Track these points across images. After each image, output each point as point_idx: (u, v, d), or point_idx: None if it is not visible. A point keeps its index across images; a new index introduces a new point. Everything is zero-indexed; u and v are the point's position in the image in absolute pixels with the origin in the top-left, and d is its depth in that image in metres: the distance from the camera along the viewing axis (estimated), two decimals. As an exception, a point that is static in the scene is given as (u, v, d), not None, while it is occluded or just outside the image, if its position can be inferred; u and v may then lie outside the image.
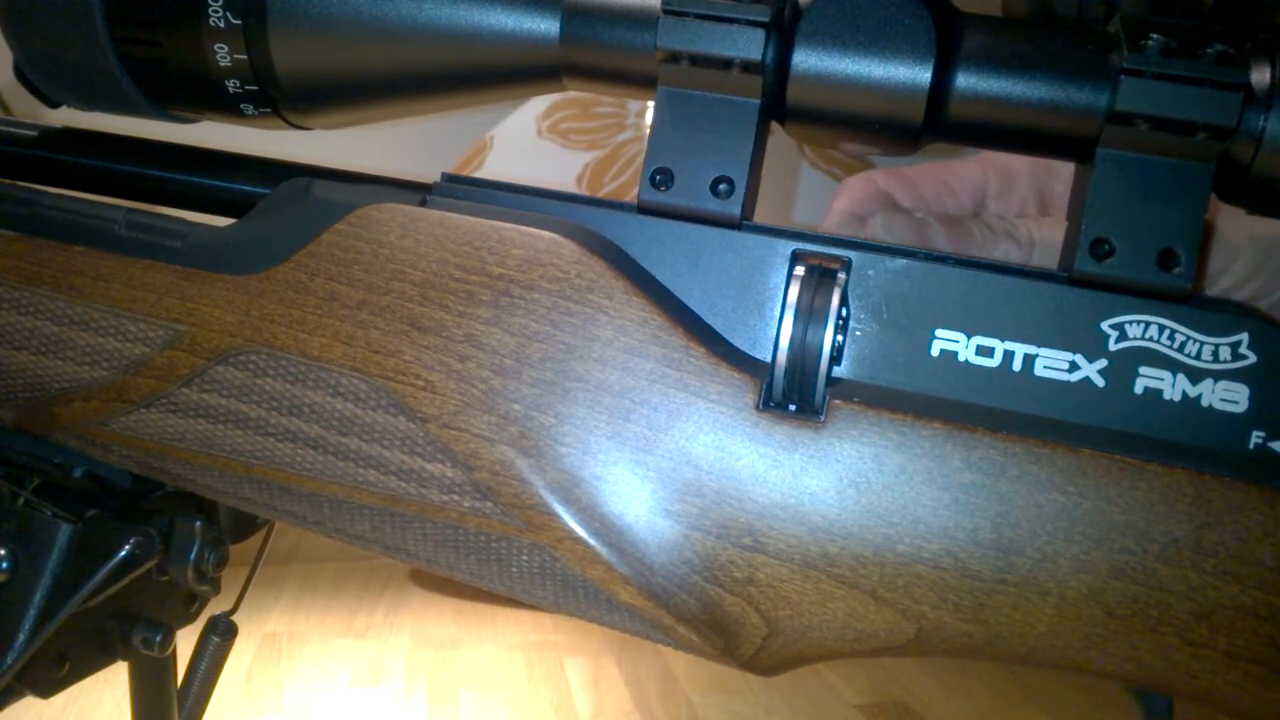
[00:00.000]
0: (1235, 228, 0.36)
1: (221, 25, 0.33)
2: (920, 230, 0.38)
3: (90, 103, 0.37)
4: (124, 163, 0.39)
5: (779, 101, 0.31)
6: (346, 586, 1.32)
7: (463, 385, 0.31)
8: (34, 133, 0.40)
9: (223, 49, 0.33)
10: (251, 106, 0.35)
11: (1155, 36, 0.29)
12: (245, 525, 0.46)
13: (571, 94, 0.36)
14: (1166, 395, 0.30)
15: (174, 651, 0.46)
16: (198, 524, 0.41)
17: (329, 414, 0.32)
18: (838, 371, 0.31)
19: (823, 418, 0.30)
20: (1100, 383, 0.30)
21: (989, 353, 0.30)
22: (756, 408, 0.30)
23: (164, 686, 0.47)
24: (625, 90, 0.33)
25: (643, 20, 0.32)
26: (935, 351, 0.31)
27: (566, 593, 0.32)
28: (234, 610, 0.48)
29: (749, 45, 0.30)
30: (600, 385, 0.31)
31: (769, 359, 0.31)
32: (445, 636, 1.19)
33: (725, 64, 0.30)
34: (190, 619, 0.47)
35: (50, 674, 0.41)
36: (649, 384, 0.31)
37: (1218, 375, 0.30)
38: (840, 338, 0.31)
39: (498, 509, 0.31)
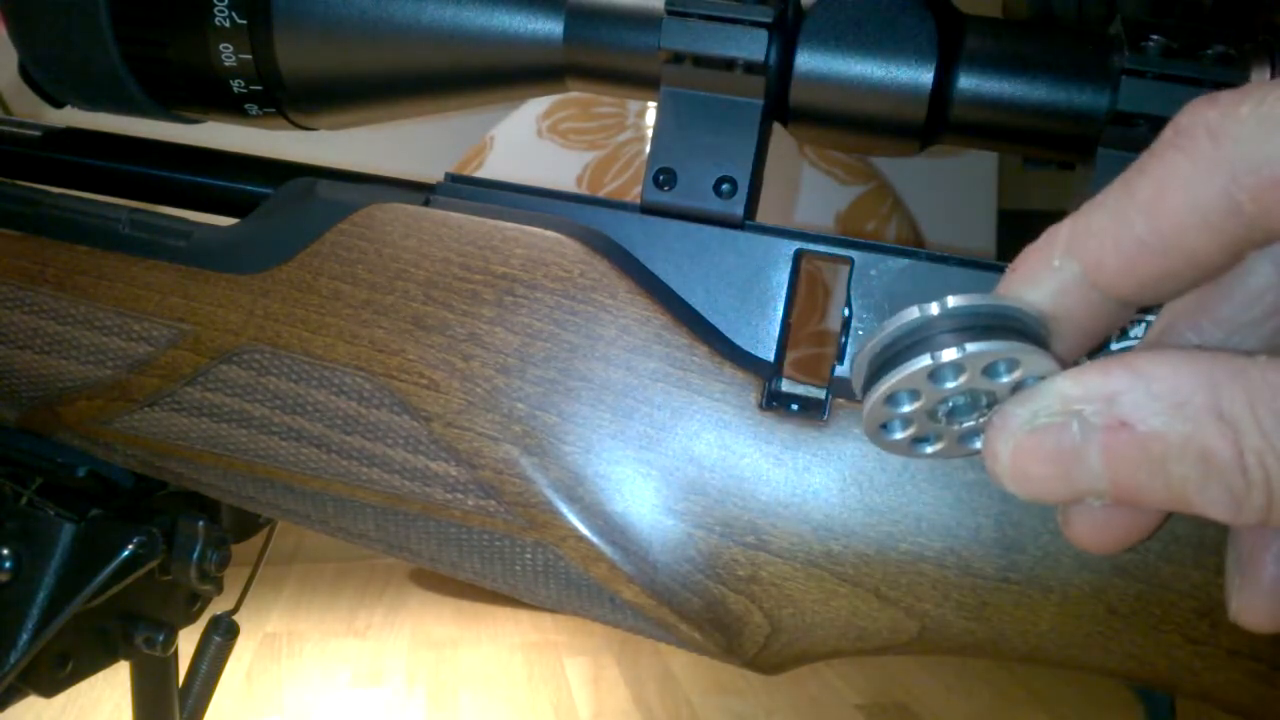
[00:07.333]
0: None
1: (226, 25, 0.33)
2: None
3: (94, 102, 0.37)
4: (127, 162, 0.39)
5: (782, 102, 0.31)
6: (346, 586, 1.32)
7: (466, 384, 0.31)
8: (37, 133, 0.40)
9: (227, 49, 0.33)
10: (256, 106, 0.35)
11: (1156, 37, 0.29)
12: (248, 525, 0.46)
13: (571, 94, 0.36)
14: None
15: (175, 651, 0.46)
16: (200, 523, 0.41)
17: (332, 413, 0.32)
18: (840, 371, 0.31)
19: (825, 417, 0.30)
20: None
21: None
22: (760, 406, 0.30)
23: (165, 686, 0.47)
24: (628, 91, 0.33)
25: (646, 21, 0.32)
26: None
27: (570, 591, 0.32)
28: (235, 610, 0.48)
29: (752, 46, 0.30)
30: (604, 384, 0.31)
31: (772, 358, 0.32)
32: (445, 636, 1.19)
33: (728, 65, 0.30)
34: (192, 619, 0.47)
35: (53, 674, 0.41)
36: (652, 383, 0.31)
37: None
38: (843, 337, 0.31)
39: (501, 507, 0.31)
